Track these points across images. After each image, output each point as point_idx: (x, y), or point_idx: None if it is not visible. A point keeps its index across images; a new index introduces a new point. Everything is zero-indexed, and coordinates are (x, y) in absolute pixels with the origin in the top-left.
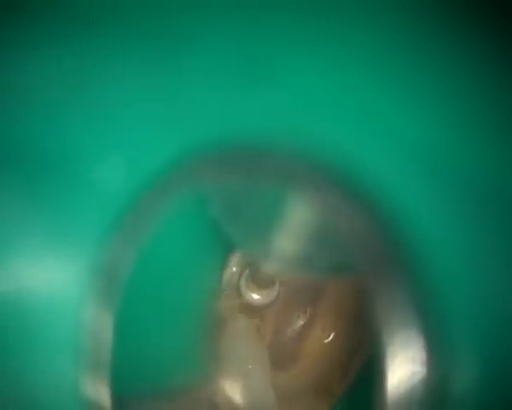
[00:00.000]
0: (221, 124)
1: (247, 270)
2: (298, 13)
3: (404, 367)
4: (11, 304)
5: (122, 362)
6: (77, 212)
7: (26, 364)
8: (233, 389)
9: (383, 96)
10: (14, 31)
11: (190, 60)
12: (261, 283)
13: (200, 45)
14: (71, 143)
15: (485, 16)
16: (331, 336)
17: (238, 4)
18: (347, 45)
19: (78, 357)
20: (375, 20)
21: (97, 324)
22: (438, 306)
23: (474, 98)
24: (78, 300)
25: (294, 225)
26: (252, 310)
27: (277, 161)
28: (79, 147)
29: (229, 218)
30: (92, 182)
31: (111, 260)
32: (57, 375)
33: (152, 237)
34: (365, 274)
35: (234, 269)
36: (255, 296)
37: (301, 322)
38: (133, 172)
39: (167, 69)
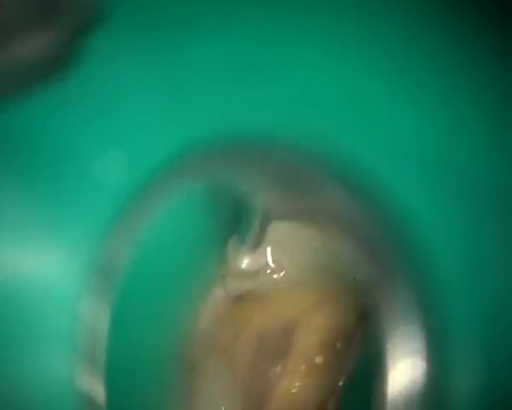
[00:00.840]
0: (221, 118)
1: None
2: (298, 9)
3: (404, 366)
4: (8, 298)
5: (117, 357)
6: (75, 206)
7: (21, 358)
8: None
9: (384, 94)
10: None
11: (190, 54)
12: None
13: (200, 40)
14: (70, 138)
15: (488, 17)
16: (299, 387)
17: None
18: (348, 42)
19: (73, 352)
20: (375, 17)
21: (94, 319)
22: (439, 304)
23: (477, 96)
24: (75, 294)
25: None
26: (239, 278)
27: (277, 157)
28: (79, 141)
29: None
30: (91, 176)
31: (109, 254)
32: (53, 369)
33: (150, 232)
34: (367, 272)
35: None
36: (245, 261)
37: (272, 370)
38: (132, 167)
39: (167, 64)
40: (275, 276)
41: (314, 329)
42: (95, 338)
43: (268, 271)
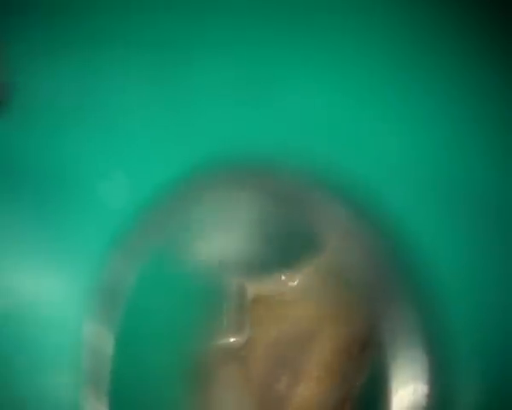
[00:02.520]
0: (224, 140)
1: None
2: (302, 31)
3: (407, 386)
4: (12, 320)
5: (122, 380)
6: (78, 228)
7: (25, 381)
8: None
9: (388, 115)
10: (13, 46)
11: (193, 77)
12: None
13: (204, 63)
14: (73, 160)
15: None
16: (315, 394)
17: (241, 21)
18: (352, 65)
19: (78, 375)
20: (376, 40)
21: (98, 341)
22: (441, 324)
23: (477, 112)
24: (78, 317)
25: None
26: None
27: (281, 178)
28: (81, 163)
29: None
30: (95, 200)
31: (112, 277)
32: (57, 392)
33: (153, 255)
34: (371, 293)
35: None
36: (231, 339)
37: (286, 378)
38: (135, 190)
39: (170, 88)
40: (289, 283)
41: (329, 336)
42: (99, 361)
43: (283, 277)
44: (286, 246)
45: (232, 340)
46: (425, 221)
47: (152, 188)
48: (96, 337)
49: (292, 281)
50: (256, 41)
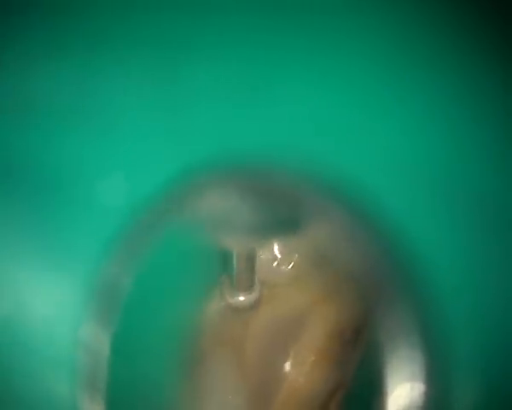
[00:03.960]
0: (223, 141)
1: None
2: (301, 31)
3: (404, 385)
4: (9, 320)
5: (118, 381)
6: (76, 228)
7: (22, 383)
8: None
9: (385, 115)
10: (12, 45)
11: (192, 76)
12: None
13: (201, 63)
14: (71, 159)
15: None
16: (309, 379)
17: (240, 21)
18: (351, 65)
19: (74, 375)
20: (376, 42)
21: (95, 343)
22: (439, 324)
23: (478, 112)
24: (76, 317)
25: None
26: (238, 313)
27: (278, 180)
28: (79, 163)
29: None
30: (92, 198)
31: (110, 277)
32: (54, 394)
33: (151, 254)
34: (367, 291)
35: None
36: (240, 298)
37: (280, 361)
38: (133, 189)
39: (169, 86)
40: (283, 267)
41: (322, 320)
42: (96, 363)
43: (276, 263)
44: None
45: (242, 299)
46: (423, 219)
47: (150, 189)
48: (92, 339)
49: (285, 266)
50: (256, 43)
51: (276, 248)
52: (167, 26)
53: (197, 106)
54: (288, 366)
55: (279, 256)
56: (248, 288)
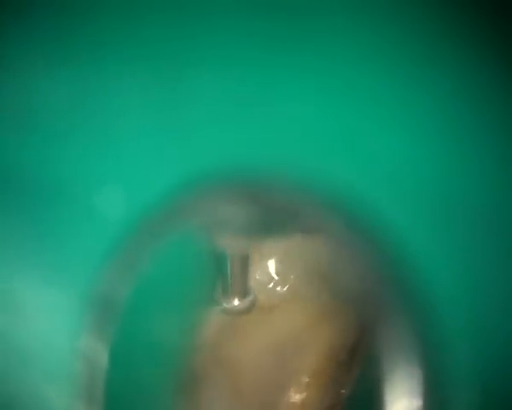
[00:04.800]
0: (222, 152)
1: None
2: (301, 45)
3: (402, 400)
4: (6, 332)
5: (116, 391)
6: (74, 239)
7: (19, 392)
8: None
9: (386, 130)
10: (13, 50)
11: (191, 88)
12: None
13: (202, 74)
14: (69, 171)
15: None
16: (305, 399)
17: (243, 32)
18: (351, 75)
19: (72, 386)
20: (377, 51)
21: (92, 353)
22: (437, 338)
23: (477, 124)
24: (73, 328)
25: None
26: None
27: (279, 192)
28: (78, 174)
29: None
30: (90, 209)
31: (107, 288)
32: (51, 404)
33: (149, 266)
34: (366, 308)
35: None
36: (235, 303)
37: (276, 382)
38: (131, 201)
39: (168, 98)
40: (278, 288)
41: (318, 342)
42: (93, 373)
43: (272, 284)
44: None
45: (236, 303)
46: (420, 233)
47: (148, 199)
48: (90, 349)
49: (281, 287)
50: (256, 53)
51: (272, 268)
52: (167, 36)
53: (196, 116)
54: (283, 388)
55: (275, 277)
56: (243, 292)
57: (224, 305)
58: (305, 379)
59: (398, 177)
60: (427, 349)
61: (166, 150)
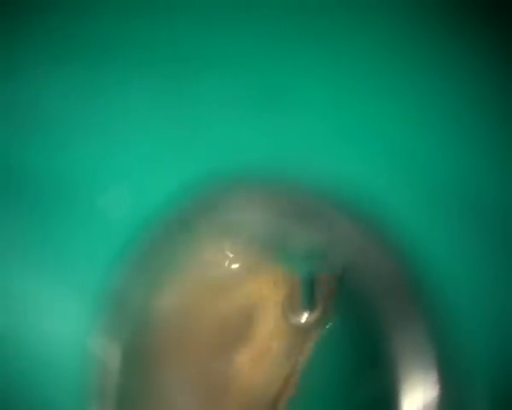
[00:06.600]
0: (228, 152)
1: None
2: (307, 45)
3: (416, 403)
4: (16, 334)
5: (128, 394)
6: (84, 240)
7: (30, 394)
8: None
9: (395, 130)
10: (16, 55)
11: (198, 89)
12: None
13: (209, 75)
14: (76, 171)
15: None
16: (259, 371)
17: (249, 34)
18: (363, 78)
19: (83, 388)
20: (383, 52)
21: (104, 355)
22: (452, 340)
23: (488, 123)
24: (84, 330)
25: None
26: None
27: (288, 193)
28: (85, 175)
29: None
30: (99, 210)
31: (118, 290)
32: (63, 405)
33: (160, 267)
34: (381, 309)
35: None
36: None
37: (232, 355)
38: (140, 201)
39: (176, 100)
40: (233, 266)
41: (271, 315)
42: (105, 375)
43: (227, 262)
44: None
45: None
46: (437, 236)
47: (157, 200)
48: (102, 351)
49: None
50: (262, 53)
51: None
52: (172, 37)
53: (203, 116)
54: (240, 361)
55: (230, 256)
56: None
57: (293, 319)
58: (262, 351)
59: (416, 179)
60: (443, 353)
61: (175, 151)
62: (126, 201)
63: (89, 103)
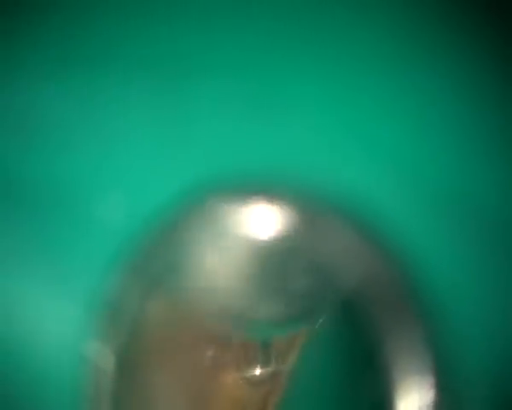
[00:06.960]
0: (226, 160)
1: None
2: (310, 45)
3: (412, 408)
4: (11, 339)
5: (123, 399)
6: (79, 245)
7: (25, 399)
8: None
9: (395, 134)
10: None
11: (195, 95)
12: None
13: (205, 80)
14: (72, 176)
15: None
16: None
17: (245, 39)
18: (362, 81)
19: (79, 392)
20: (382, 56)
21: (98, 360)
22: (449, 346)
23: (489, 128)
24: (79, 335)
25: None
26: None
27: (286, 198)
28: (81, 180)
29: None
30: (95, 216)
31: (114, 295)
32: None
33: (156, 273)
34: (376, 313)
35: None
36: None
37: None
38: (137, 207)
39: (171, 105)
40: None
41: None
42: (100, 380)
43: None
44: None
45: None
46: (433, 239)
47: (153, 206)
48: (97, 357)
49: None
50: (259, 58)
51: None
52: (169, 42)
53: (200, 122)
54: (224, 365)
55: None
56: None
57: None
58: (249, 354)
59: (410, 180)
60: (440, 358)
61: (171, 156)
62: (124, 205)
63: (88, 105)
